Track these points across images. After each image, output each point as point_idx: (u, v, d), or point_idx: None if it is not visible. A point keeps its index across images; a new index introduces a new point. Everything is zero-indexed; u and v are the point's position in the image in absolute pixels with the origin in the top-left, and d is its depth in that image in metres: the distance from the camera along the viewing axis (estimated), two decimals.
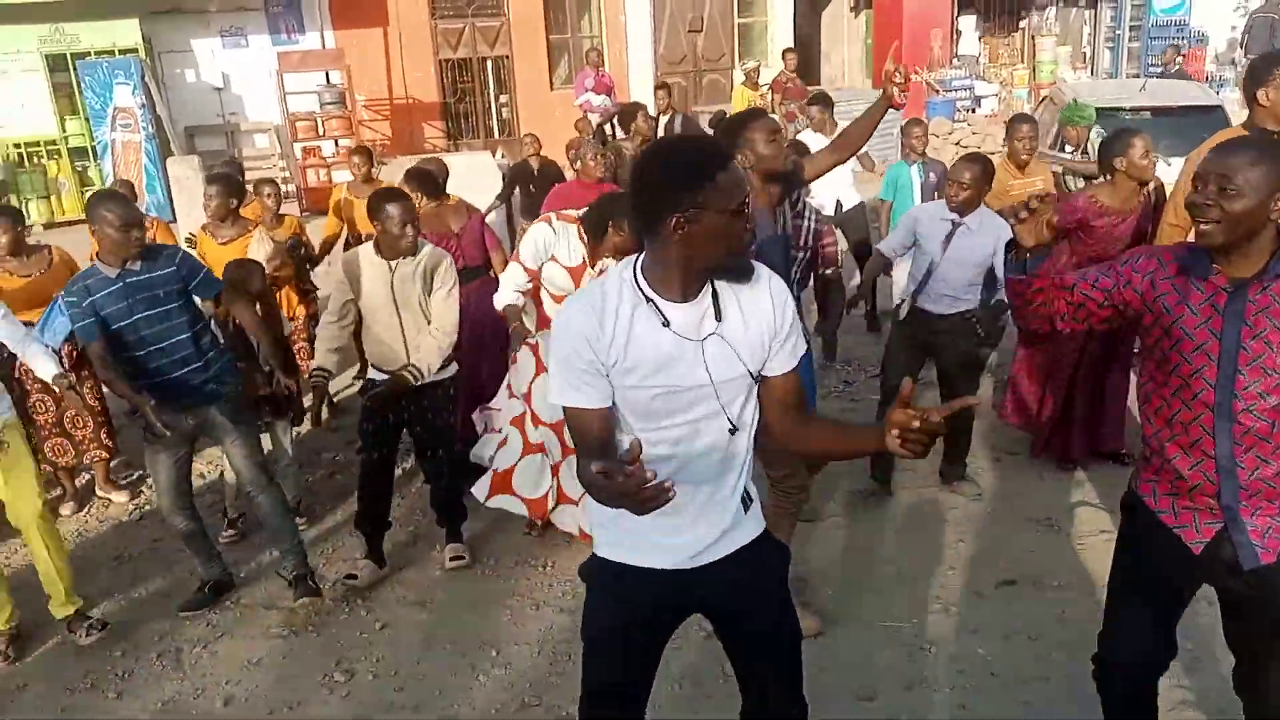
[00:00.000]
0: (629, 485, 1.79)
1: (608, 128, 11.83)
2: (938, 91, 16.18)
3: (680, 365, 2.14)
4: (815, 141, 7.54)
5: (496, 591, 4.36)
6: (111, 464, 5.55)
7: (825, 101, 7.64)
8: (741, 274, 2.19)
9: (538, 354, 4.43)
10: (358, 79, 13.86)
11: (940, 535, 4.56)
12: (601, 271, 4.33)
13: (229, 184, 5.78)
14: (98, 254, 3.97)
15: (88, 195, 7.09)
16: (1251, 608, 2.46)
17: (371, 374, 4.49)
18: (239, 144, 14.30)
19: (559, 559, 4.57)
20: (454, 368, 4.47)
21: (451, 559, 4.56)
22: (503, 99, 15.80)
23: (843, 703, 3.48)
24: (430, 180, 5.38)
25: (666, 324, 2.12)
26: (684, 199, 2.03)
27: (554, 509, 4.49)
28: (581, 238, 4.30)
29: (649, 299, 2.13)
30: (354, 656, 3.95)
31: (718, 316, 2.16)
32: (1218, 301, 2.29)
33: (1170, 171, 4.94)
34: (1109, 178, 4.73)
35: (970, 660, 3.68)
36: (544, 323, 4.46)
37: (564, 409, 2.19)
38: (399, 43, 14.76)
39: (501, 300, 4.41)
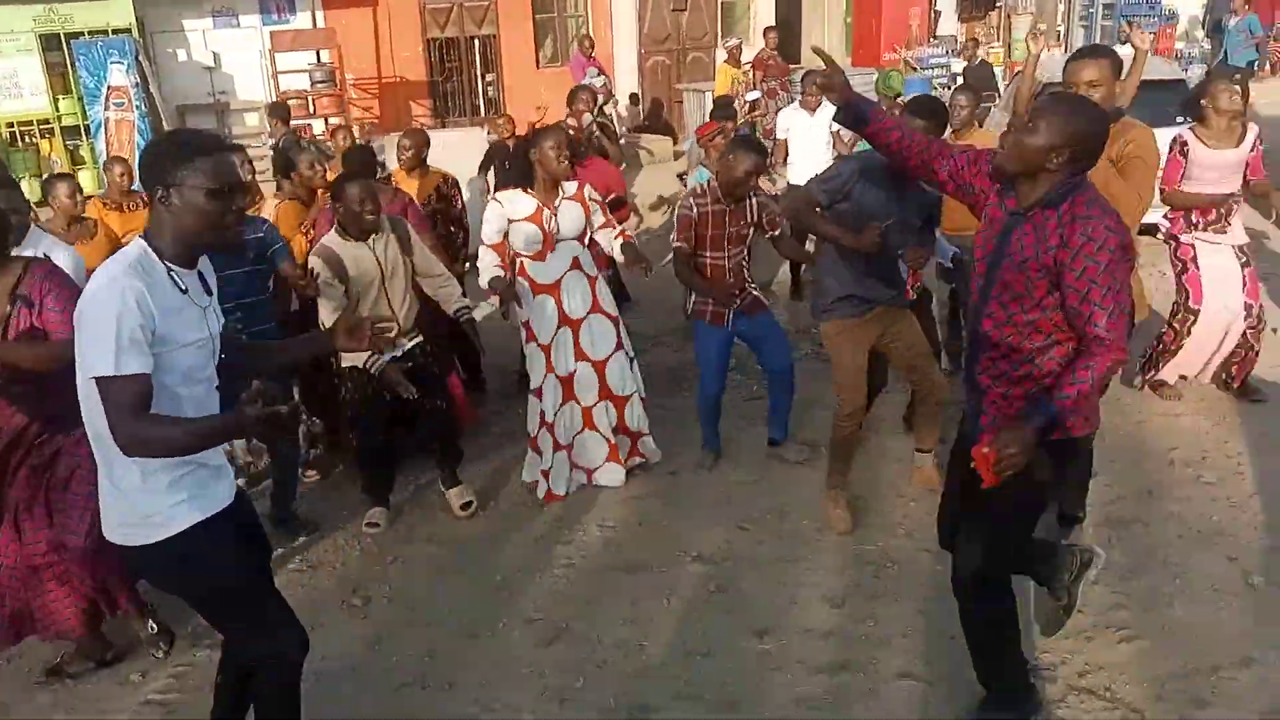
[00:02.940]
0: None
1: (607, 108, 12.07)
2: (915, 70, 16.51)
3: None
4: (800, 119, 7.87)
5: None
6: None
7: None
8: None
9: (531, 331, 4.77)
10: (347, 58, 14.05)
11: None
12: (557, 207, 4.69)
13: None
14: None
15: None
16: None
17: (353, 359, 4.41)
18: (229, 123, 14.45)
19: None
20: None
21: (462, 506, 4.80)
22: (489, 78, 16.01)
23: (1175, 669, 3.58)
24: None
25: (185, 291, 2.40)
26: (168, 175, 2.29)
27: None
28: (526, 192, 4.63)
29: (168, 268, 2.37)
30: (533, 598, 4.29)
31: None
32: None
33: None
34: None
35: None
36: (537, 291, 4.73)
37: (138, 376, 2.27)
38: (388, 22, 14.92)
39: (485, 277, 4.64)
